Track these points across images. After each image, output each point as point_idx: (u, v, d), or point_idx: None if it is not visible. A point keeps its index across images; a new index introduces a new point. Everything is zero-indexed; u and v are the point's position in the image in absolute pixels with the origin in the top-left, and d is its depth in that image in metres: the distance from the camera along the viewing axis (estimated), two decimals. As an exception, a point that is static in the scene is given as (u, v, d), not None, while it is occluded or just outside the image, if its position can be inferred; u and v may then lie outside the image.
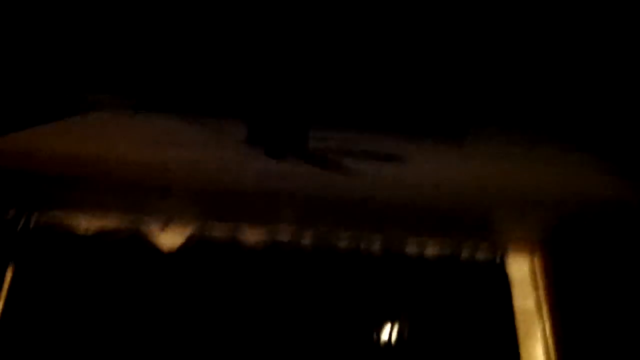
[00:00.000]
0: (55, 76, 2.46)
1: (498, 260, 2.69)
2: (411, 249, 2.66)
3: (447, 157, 2.56)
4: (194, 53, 2.43)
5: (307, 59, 2.38)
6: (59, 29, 2.43)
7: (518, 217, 2.63)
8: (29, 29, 2.39)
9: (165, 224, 2.62)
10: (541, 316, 2.58)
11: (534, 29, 2.36)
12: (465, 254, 2.67)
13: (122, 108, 2.46)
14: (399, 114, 2.48)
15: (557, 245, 2.67)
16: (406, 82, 2.46)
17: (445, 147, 2.54)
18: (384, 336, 2.57)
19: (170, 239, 2.62)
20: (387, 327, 2.58)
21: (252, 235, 2.63)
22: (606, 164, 2.60)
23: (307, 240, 2.63)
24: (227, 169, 2.47)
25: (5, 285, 2.51)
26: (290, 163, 2.47)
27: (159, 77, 2.47)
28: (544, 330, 2.56)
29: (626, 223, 2.54)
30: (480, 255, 2.69)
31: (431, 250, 2.67)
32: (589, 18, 2.36)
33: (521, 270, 2.69)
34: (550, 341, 2.54)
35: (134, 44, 2.43)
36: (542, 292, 2.62)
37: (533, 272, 2.68)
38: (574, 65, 2.44)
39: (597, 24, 2.39)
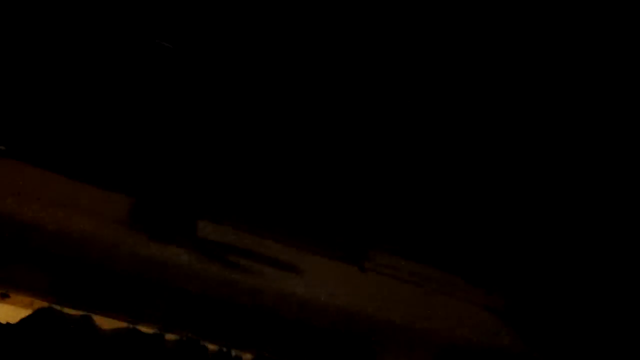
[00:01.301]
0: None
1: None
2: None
3: (342, 273, 2.42)
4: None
5: (209, 146, 2.19)
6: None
7: (404, 345, 2.54)
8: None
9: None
10: None
11: (440, 161, 2.32)
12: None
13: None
14: (297, 220, 2.32)
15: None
16: (313, 191, 2.32)
17: (342, 264, 2.41)
18: None
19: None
20: None
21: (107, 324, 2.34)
22: (502, 311, 2.57)
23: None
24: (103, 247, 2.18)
25: None
26: (171, 250, 2.23)
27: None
28: None
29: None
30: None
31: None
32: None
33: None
34: None
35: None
36: None
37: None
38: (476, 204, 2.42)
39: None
